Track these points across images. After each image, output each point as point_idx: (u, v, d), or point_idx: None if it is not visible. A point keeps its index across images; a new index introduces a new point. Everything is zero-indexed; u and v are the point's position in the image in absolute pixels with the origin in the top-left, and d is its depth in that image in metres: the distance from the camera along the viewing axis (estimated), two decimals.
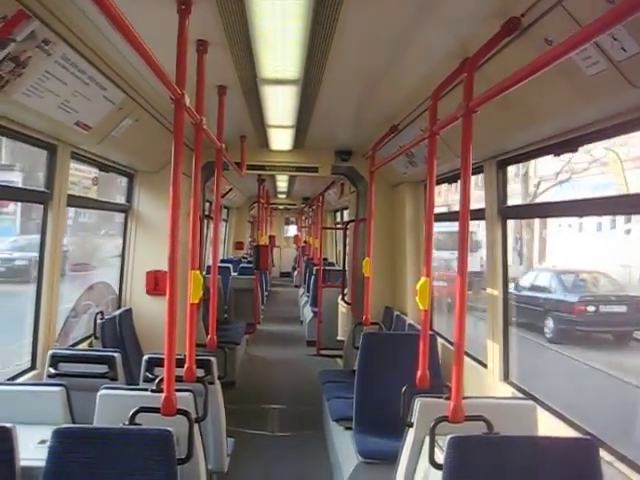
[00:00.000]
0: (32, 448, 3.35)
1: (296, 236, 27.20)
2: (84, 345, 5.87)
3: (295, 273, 25.08)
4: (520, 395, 4.51)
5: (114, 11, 2.15)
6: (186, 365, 3.92)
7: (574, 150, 3.93)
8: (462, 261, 3.47)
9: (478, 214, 5.11)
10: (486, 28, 3.17)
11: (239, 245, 20.49)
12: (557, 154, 4.16)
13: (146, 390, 3.69)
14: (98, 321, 5.97)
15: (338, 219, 19.72)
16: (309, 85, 4.73)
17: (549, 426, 3.91)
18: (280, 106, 5.45)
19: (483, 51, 3.27)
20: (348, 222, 9.66)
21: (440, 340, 6.18)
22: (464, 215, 3.48)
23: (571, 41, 2.23)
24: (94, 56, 3.82)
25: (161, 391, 3.36)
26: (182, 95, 3.18)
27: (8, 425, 2.99)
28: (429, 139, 4.20)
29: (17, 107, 3.67)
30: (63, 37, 3.38)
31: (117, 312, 6.63)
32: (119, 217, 7.33)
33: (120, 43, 3.71)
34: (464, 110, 3.32)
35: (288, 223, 30.07)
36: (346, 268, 9.80)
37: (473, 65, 3.38)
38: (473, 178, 5.21)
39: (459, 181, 5.92)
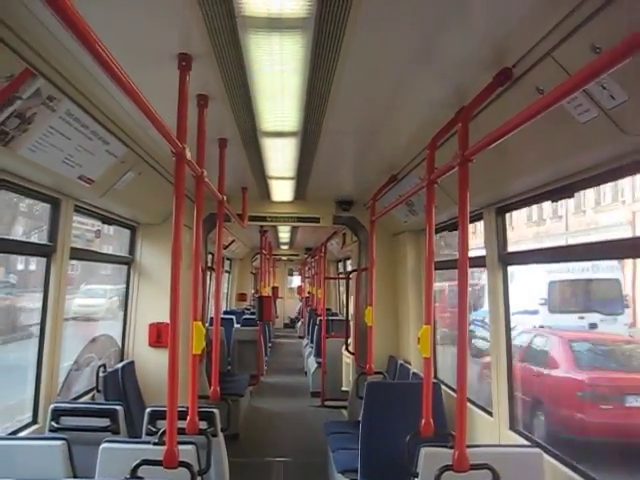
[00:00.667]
0: None
1: (299, 287, 27.16)
2: (86, 398, 5.84)
3: (299, 324, 24.97)
4: (526, 443, 4.46)
5: (117, 70, 2.21)
6: (188, 417, 3.90)
7: (571, 196, 3.97)
8: (462, 309, 3.48)
9: (479, 261, 5.13)
10: (479, 78, 3.26)
11: (242, 296, 20.45)
12: (554, 200, 4.20)
13: (148, 443, 3.67)
14: (100, 374, 5.95)
15: (340, 269, 19.74)
16: (308, 137, 4.81)
17: (556, 474, 3.86)
18: (280, 158, 5.53)
19: (477, 101, 3.34)
20: (350, 272, 9.67)
21: (444, 388, 6.12)
22: (463, 263, 3.50)
23: (561, 89, 2.29)
24: (97, 111, 3.91)
25: (163, 444, 3.33)
26: (183, 149, 3.25)
27: None
28: (427, 188, 4.26)
29: (22, 162, 3.73)
30: (67, 94, 3.47)
31: (120, 365, 6.60)
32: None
33: (122, 99, 3.80)
34: (460, 159, 3.38)
35: (291, 274, 30.05)
36: (349, 318, 9.78)
37: (468, 115, 3.45)
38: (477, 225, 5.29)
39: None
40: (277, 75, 3.44)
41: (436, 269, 4.36)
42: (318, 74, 3.45)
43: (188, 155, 3.34)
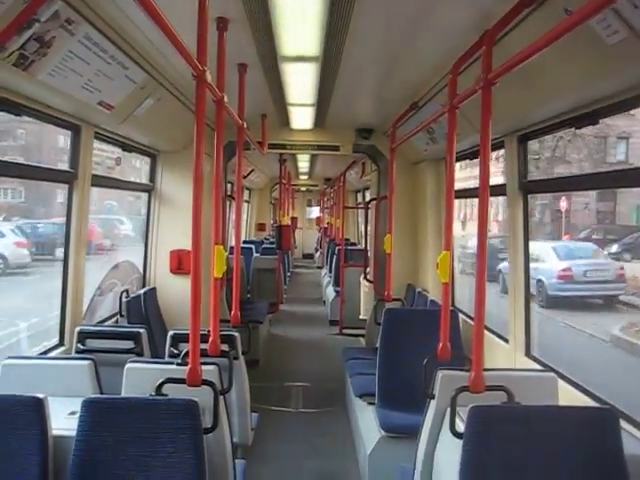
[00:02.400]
0: (62, 419, 3.44)
1: (318, 217, 27.24)
2: (110, 323, 5.99)
3: (317, 255, 25.16)
4: (541, 368, 4.54)
5: None
6: (210, 339, 3.99)
7: (595, 123, 3.91)
8: (482, 236, 3.48)
9: (499, 190, 5.11)
10: (505, 0, 3.16)
11: (261, 226, 20.57)
12: (578, 127, 4.14)
13: (172, 364, 3.77)
14: (123, 299, 6.08)
15: (359, 199, 19.73)
16: (329, 62, 4.74)
17: (570, 398, 3.94)
18: (301, 84, 5.46)
19: (502, 23, 3.26)
20: (370, 201, 9.66)
21: (462, 317, 6.20)
22: (484, 191, 3.48)
23: (590, 8, 2.23)
24: (116, 35, 3.87)
25: (186, 364, 3.43)
26: (203, 71, 3.22)
27: (40, 396, 3.08)
28: (449, 113, 4.20)
29: (42, 87, 3.73)
30: (85, 17, 3.43)
31: (142, 291, 6.74)
32: None
33: (142, 22, 3.76)
34: (483, 82, 3.32)
35: (310, 205, 30.08)
36: (368, 247, 9.83)
37: (492, 37, 3.37)
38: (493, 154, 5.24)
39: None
40: None
41: (456, 197, 4.36)
42: None
43: (209, 78, 3.31)
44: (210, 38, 3.40)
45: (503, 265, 13.23)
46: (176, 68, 4.83)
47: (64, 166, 5.01)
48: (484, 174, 3.46)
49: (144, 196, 7.40)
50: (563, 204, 18.61)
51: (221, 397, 3.55)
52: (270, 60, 4.70)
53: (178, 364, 3.67)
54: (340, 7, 3.54)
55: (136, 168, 8.50)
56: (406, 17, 3.75)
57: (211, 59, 3.44)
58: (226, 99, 3.96)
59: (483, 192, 3.45)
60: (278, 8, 3.57)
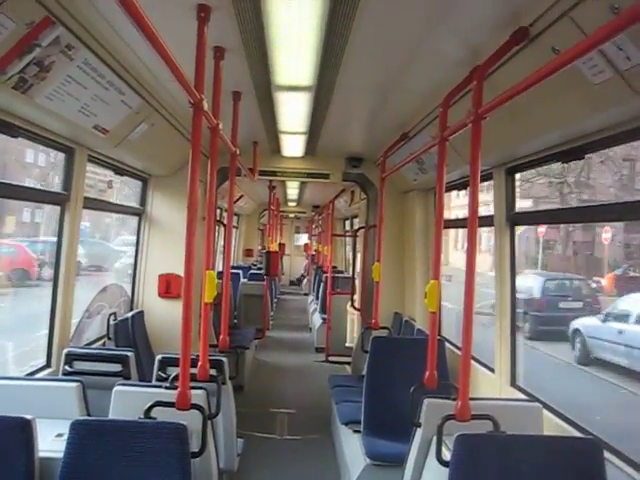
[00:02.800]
0: (49, 441, 3.44)
1: (306, 244, 27.29)
2: (97, 345, 5.98)
3: (304, 281, 25.16)
4: (526, 397, 4.57)
5: (138, 15, 2.24)
6: (199, 363, 4.01)
7: (581, 157, 4.01)
8: (470, 265, 3.54)
9: (486, 221, 5.18)
10: (495, 37, 3.26)
11: (249, 252, 20.58)
12: (565, 161, 4.23)
13: (160, 387, 3.78)
14: (111, 322, 6.08)
15: (347, 227, 19.80)
16: (322, 92, 4.82)
17: (555, 429, 3.97)
18: (293, 112, 5.55)
19: (492, 59, 3.35)
20: (358, 229, 9.73)
21: (448, 346, 6.23)
22: (473, 221, 3.55)
23: (577, 49, 2.31)
24: (114, 61, 3.94)
25: (175, 388, 3.44)
26: (201, 99, 3.28)
27: (28, 417, 3.09)
28: (439, 145, 4.28)
29: (39, 110, 3.78)
30: (85, 43, 3.50)
31: (130, 314, 6.73)
32: None
33: (140, 49, 3.84)
34: (473, 116, 3.40)
35: (298, 232, 30.15)
36: (355, 275, 9.87)
37: (482, 73, 3.47)
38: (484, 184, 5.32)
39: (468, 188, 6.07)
40: (294, 27, 3.45)
41: (445, 227, 4.43)
42: (335, 29, 3.46)
43: (205, 106, 3.37)
44: (206, 66, 3.47)
45: (581, 322, 12.09)
46: (171, 94, 4.90)
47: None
48: (473, 205, 3.52)
49: (131, 219, 7.42)
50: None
51: (209, 422, 3.56)
52: (264, 89, 4.78)
53: (167, 387, 3.69)
54: (335, 39, 3.63)
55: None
56: (399, 49, 3.84)
57: (207, 86, 3.51)
58: (221, 126, 4.02)
59: (472, 222, 3.52)
60: (274, 39, 3.65)
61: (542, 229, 18.63)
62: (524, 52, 3.23)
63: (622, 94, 2.83)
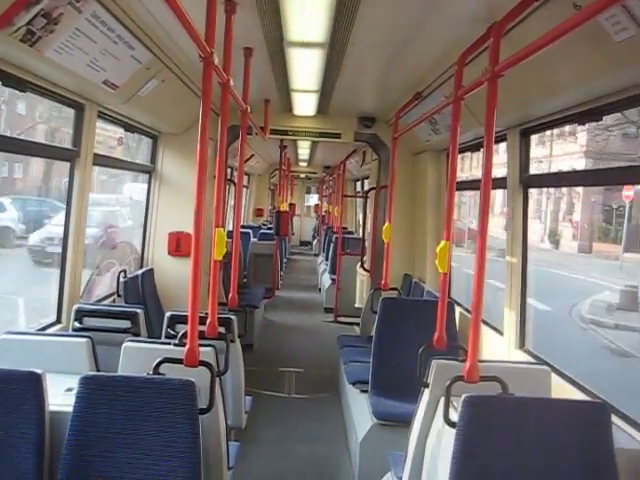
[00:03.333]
0: (59, 395, 3.46)
1: (317, 205, 27.26)
2: (107, 302, 6.00)
3: (315, 242, 25.20)
4: (534, 361, 4.57)
5: None
6: (208, 320, 4.01)
7: (599, 119, 3.93)
8: (482, 228, 3.49)
9: (500, 183, 5.12)
10: None
11: (259, 212, 20.58)
12: (581, 123, 4.15)
13: (169, 344, 3.79)
14: (121, 279, 6.10)
15: (358, 188, 19.74)
16: (335, 49, 4.73)
17: (563, 392, 3.97)
18: (305, 70, 5.45)
19: (510, 15, 3.26)
20: (369, 190, 9.68)
21: (458, 309, 6.23)
22: (486, 183, 3.49)
23: (599, 4, 2.23)
24: (123, 14, 3.86)
25: (184, 345, 3.45)
26: (211, 53, 3.21)
27: (38, 371, 3.10)
28: (453, 104, 4.20)
29: (48, 64, 3.73)
30: None
31: (139, 271, 6.75)
32: None
33: (150, 2, 3.76)
34: (490, 74, 3.32)
35: (309, 192, 30.10)
36: (365, 236, 9.86)
37: (500, 30, 3.37)
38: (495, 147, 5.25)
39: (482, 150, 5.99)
40: None
41: (457, 189, 4.38)
42: None
43: (216, 60, 3.31)
44: (217, 21, 3.39)
45: None
46: (182, 50, 4.82)
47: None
48: (487, 167, 3.46)
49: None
50: None
51: (217, 379, 3.58)
52: (276, 45, 4.69)
53: (175, 345, 3.69)
54: None
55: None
56: (414, 5, 3.74)
57: (218, 42, 3.44)
58: (232, 83, 3.96)
59: (485, 185, 3.46)
60: None
61: (629, 192, 17.01)
62: (544, 8, 3.13)
63: None
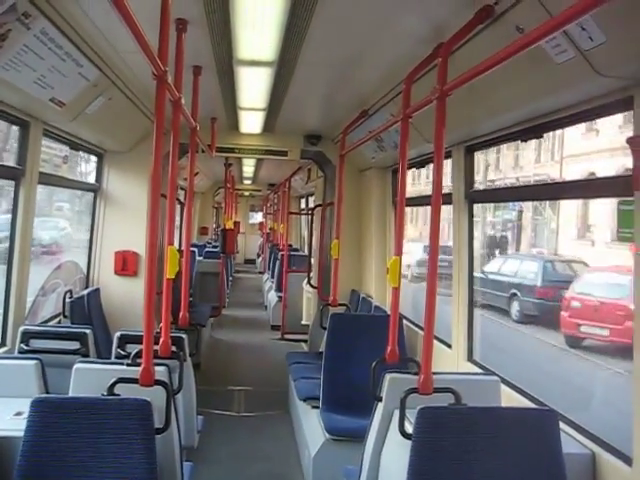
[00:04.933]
0: (8, 420, 3.38)
1: (261, 223, 27.25)
2: (53, 323, 5.88)
3: (259, 260, 25.14)
4: (483, 372, 4.67)
5: None
6: (162, 339, 3.97)
7: (539, 136, 4.09)
8: (434, 243, 3.57)
9: (445, 199, 5.24)
10: (460, 14, 3.27)
11: (204, 230, 20.48)
12: (524, 140, 4.31)
13: (121, 364, 3.73)
14: (67, 300, 5.97)
15: (303, 205, 19.82)
16: (283, 67, 4.78)
17: (512, 401, 4.08)
18: (253, 88, 5.49)
19: (457, 37, 3.37)
20: (315, 207, 9.74)
21: (406, 323, 6.31)
22: (437, 199, 3.57)
23: (541, 29, 2.34)
24: (72, 32, 3.82)
25: (137, 365, 3.41)
26: (165, 71, 3.22)
27: None
28: (402, 122, 4.30)
29: None
30: (43, 11, 3.39)
31: (86, 291, 6.62)
32: None
33: (99, 19, 3.74)
34: (438, 93, 3.42)
35: (253, 210, 30.07)
36: (312, 253, 9.90)
37: (447, 50, 3.48)
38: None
39: (428, 166, 6.12)
40: (258, 1, 3.41)
41: (407, 205, 4.46)
42: (300, 2, 3.43)
43: (169, 79, 3.32)
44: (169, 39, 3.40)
45: None
46: (130, 68, 4.80)
47: None
48: (437, 182, 3.55)
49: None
50: None
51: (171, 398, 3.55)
52: (225, 63, 4.72)
53: (129, 364, 3.65)
54: (300, 11, 3.58)
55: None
56: (363, 25, 3.83)
57: (169, 60, 3.44)
58: (183, 101, 3.96)
59: (436, 200, 3.55)
60: (237, 11, 3.59)
61: None
62: (489, 29, 3.25)
63: (583, 73, 2.89)
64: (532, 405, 4.01)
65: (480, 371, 4.76)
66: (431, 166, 5.24)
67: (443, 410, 3.18)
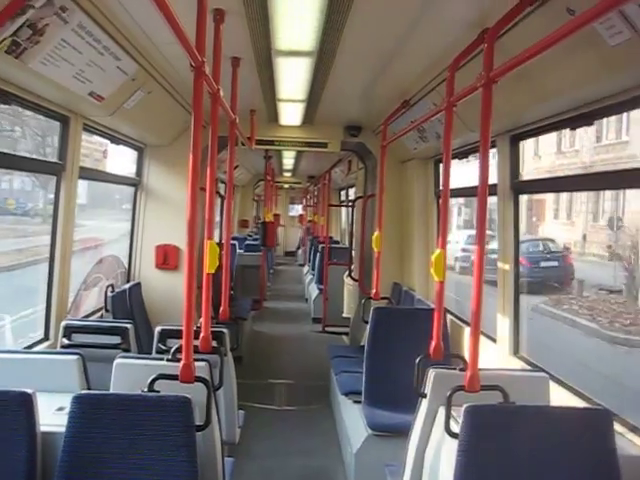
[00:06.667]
0: (50, 415, 3.38)
1: (301, 215, 27.25)
2: (94, 318, 5.91)
3: (299, 252, 25.16)
4: (531, 368, 4.54)
5: None
6: (202, 335, 3.94)
7: (590, 124, 3.91)
8: (480, 236, 3.47)
9: (490, 189, 5.11)
10: None
11: (244, 223, 20.55)
12: (573, 128, 4.14)
13: (161, 360, 3.71)
14: (109, 294, 6.01)
15: (343, 197, 19.74)
16: (323, 58, 4.70)
17: (561, 398, 3.95)
18: (293, 79, 5.41)
19: (504, 21, 3.24)
20: (356, 199, 9.65)
21: (450, 317, 6.20)
22: (483, 190, 3.46)
23: (595, 9, 2.21)
24: (110, 25, 3.80)
25: (177, 360, 3.38)
26: (203, 62, 3.16)
27: (28, 391, 3.02)
28: (446, 111, 4.18)
29: (33, 76, 3.66)
30: (80, 5, 3.37)
31: (127, 285, 6.66)
32: None
33: (137, 11, 3.71)
34: (485, 80, 3.29)
35: (293, 202, 30.08)
36: (352, 245, 9.82)
37: (494, 35, 3.35)
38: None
39: (472, 156, 5.97)
40: None
41: (451, 196, 4.35)
42: None
43: (207, 70, 3.26)
44: (207, 30, 3.34)
45: None
46: (169, 61, 4.77)
47: None
48: (484, 173, 3.43)
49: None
50: None
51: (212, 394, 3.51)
52: (264, 54, 4.65)
53: (169, 360, 3.62)
54: (339, 1, 3.50)
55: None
56: (405, 12, 3.71)
57: (207, 52, 3.39)
58: (221, 93, 3.91)
59: (482, 192, 3.43)
60: (276, 0, 3.52)
61: None
62: (537, 12, 3.11)
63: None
64: (583, 403, 3.87)
65: (526, 367, 4.63)
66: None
67: (490, 409, 3.08)
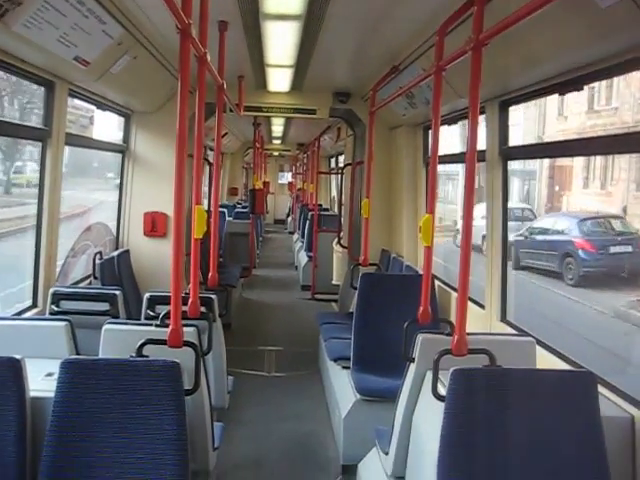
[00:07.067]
0: (39, 380, 3.39)
1: (290, 183, 27.18)
2: (83, 285, 5.90)
3: (289, 219, 25.16)
4: (518, 332, 4.58)
5: None
6: (190, 300, 3.93)
7: (579, 89, 3.89)
8: (468, 202, 3.46)
9: (479, 156, 5.09)
10: None
11: (234, 191, 20.49)
12: (562, 93, 4.12)
13: (150, 325, 3.72)
14: (97, 261, 5.99)
15: (332, 165, 19.68)
16: (311, 21, 4.64)
17: (547, 362, 3.99)
18: (281, 44, 5.36)
19: None
20: (345, 165, 9.62)
21: (437, 283, 6.22)
22: (472, 156, 3.43)
23: None
24: None
25: (166, 326, 3.38)
26: (189, 25, 3.11)
27: (17, 357, 3.02)
28: (435, 75, 4.13)
29: (16, 39, 3.59)
30: None
31: (115, 253, 6.64)
32: None
33: None
34: (474, 43, 3.25)
35: (282, 170, 30.00)
36: (341, 213, 9.82)
37: None
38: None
39: (461, 122, 5.95)
40: None
41: (439, 163, 4.33)
42: None
43: (194, 33, 3.21)
44: None
45: None
46: (155, 24, 4.70)
47: None
48: (472, 139, 3.40)
49: None
50: None
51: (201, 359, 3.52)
52: (251, 18, 4.59)
53: (157, 325, 3.63)
54: None
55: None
56: None
57: (193, 15, 3.33)
58: (209, 57, 3.85)
59: (471, 158, 3.41)
60: None
61: None
62: None
63: (631, 18, 2.71)
64: (569, 367, 3.92)
65: (513, 332, 4.67)
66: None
67: (477, 372, 3.11)
